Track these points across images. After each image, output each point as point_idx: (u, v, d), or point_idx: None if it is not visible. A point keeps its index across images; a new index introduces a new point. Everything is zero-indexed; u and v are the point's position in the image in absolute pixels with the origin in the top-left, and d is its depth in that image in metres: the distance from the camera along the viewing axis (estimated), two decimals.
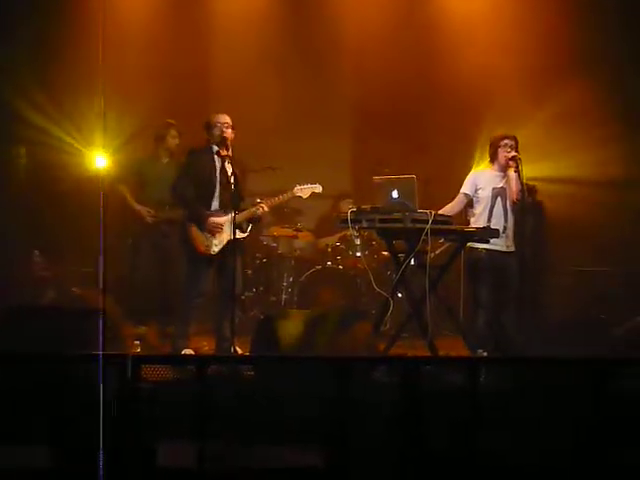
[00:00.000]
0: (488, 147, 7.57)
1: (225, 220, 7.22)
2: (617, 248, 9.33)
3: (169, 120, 8.43)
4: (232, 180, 7.13)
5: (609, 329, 7.02)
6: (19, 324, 6.17)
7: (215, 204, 7.30)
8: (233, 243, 7.08)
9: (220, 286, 7.33)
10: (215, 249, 7.24)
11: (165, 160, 8.35)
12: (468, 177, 7.57)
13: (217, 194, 7.29)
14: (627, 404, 4.70)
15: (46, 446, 4.60)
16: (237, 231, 7.08)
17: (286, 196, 7.50)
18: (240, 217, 7.12)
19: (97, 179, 9.26)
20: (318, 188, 7.52)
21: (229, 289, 7.10)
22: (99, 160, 9.69)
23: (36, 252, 9.30)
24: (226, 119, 7.27)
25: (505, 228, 7.35)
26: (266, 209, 7.34)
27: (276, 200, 7.46)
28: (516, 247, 7.41)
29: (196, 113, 8.50)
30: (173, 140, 8.34)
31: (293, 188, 7.46)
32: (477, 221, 7.39)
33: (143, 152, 8.65)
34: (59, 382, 4.68)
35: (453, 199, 7.54)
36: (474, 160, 8.47)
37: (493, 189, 7.42)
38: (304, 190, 7.45)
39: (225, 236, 7.22)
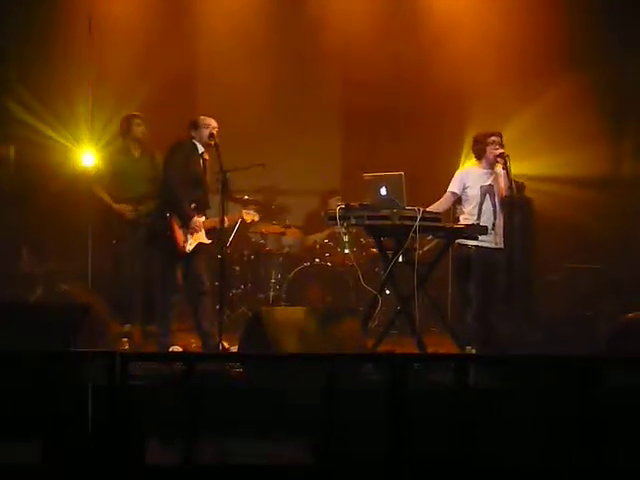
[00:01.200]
0: (472, 144, 7.58)
1: (201, 221, 7.37)
2: (606, 245, 9.36)
3: (131, 112, 8.35)
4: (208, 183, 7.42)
5: (597, 327, 7.06)
6: (7, 321, 6.14)
7: (197, 204, 7.39)
8: (202, 246, 7.37)
9: (189, 284, 7.41)
10: (190, 247, 7.32)
11: (137, 154, 8.23)
12: (456, 175, 7.57)
13: (201, 194, 7.39)
14: (615, 403, 4.72)
15: (33, 443, 4.59)
16: (205, 237, 7.37)
17: (237, 216, 7.99)
18: (206, 223, 7.39)
19: (83, 178, 9.26)
20: (256, 217, 8.09)
21: (198, 286, 7.30)
22: (87, 159, 9.71)
23: (25, 249, 9.26)
24: (215, 123, 7.38)
25: (494, 225, 7.36)
26: (226, 224, 7.43)
27: (230, 219, 7.70)
28: (505, 244, 7.43)
29: (182, 112, 8.47)
30: (138, 128, 8.19)
31: (241, 211, 8.05)
32: (467, 219, 7.40)
33: (113, 149, 8.56)
34: (47, 379, 4.67)
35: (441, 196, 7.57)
36: (461, 157, 8.51)
37: (481, 187, 7.42)
38: (247, 215, 8.00)
39: (198, 237, 7.33)
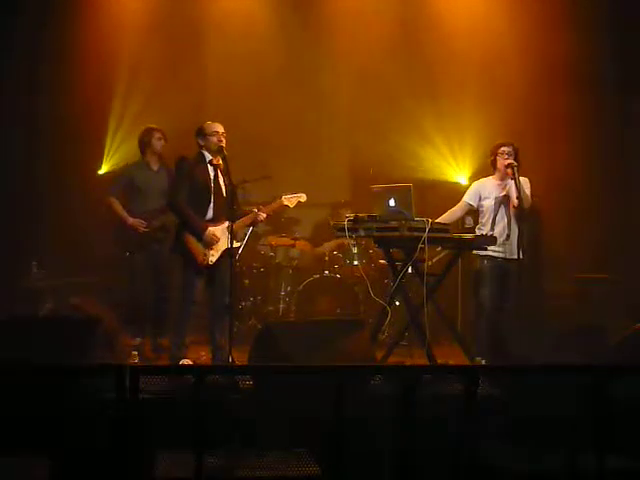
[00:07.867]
0: (489, 156, 7.60)
1: (221, 230, 7.21)
2: (616, 254, 9.34)
3: (150, 125, 8.35)
4: (224, 189, 7.24)
5: (607, 336, 7.02)
6: (17, 335, 6.15)
7: (210, 213, 7.26)
8: (229, 252, 7.04)
9: (214, 295, 7.31)
10: (212, 259, 7.22)
11: (155, 167, 8.25)
12: (472, 186, 7.62)
13: (212, 203, 7.26)
14: (625, 412, 4.71)
15: (43, 457, 4.58)
16: (229, 242, 7.06)
17: (278, 203, 7.53)
18: (237, 225, 7.14)
19: (94, 190, 9.29)
20: (303, 197, 7.58)
21: (224, 298, 7.12)
22: (100, 172, 9.77)
23: (34, 263, 9.26)
24: (221, 128, 7.25)
25: (508, 236, 7.37)
26: (264, 215, 7.37)
27: (270, 207, 7.50)
28: (519, 254, 7.43)
29: (190, 123, 8.49)
30: (159, 142, 8.22)
31: (281, 197, 7.51)
32: (482, 230, 7.45)
33: (131, 161, 8.59)
34: (57, 393, 4.66)
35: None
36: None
37: (496, 198, 7.46)
38: (291, 199, 7.53)
39: (221, 245, 7.20)
